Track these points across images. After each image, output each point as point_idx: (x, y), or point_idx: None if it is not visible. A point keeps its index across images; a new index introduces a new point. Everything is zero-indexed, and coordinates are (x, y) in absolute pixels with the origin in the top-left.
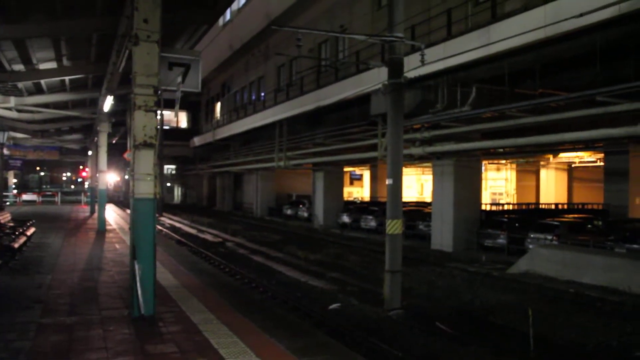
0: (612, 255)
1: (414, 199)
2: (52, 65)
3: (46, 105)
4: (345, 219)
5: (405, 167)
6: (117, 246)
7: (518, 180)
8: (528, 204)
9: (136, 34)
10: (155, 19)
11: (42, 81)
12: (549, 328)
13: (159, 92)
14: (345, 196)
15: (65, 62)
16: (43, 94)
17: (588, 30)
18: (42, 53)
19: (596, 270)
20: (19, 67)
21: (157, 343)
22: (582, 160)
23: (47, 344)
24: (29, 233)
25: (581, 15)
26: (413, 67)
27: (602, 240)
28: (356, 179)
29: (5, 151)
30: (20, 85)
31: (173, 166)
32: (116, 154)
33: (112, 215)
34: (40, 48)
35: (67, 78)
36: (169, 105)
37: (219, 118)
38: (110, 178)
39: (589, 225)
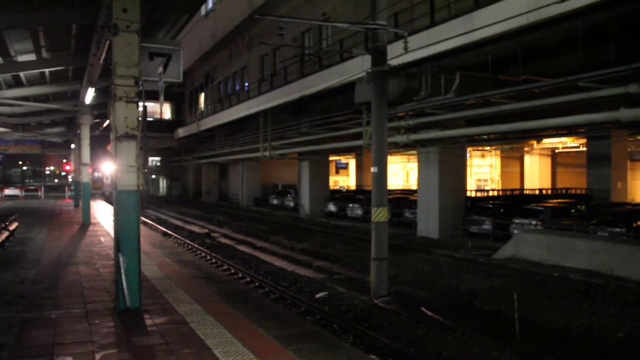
0: (595, 239)
1: (400, 187)
2: (31, 57)
3: (26, 98)
4: (332, 207)
5: (391, 155)
6: (102, 239)
7: (502, 166)
8: (513, 189)
9: (115, 24)
10: (135, 8)
11: (21, 73)
12: (534, 312)
13: (140, 82)
14: (331, 185)
15: (44, 53)
16: (23, 86)
17: (570, 16)
18: (20, 45)
19: (580, 254)
20: None
21: (143, 335)
22: (565, 145)
23: (32, 339)
24: (11, 228)
25: (562, 1)
26: (397, 55)
27: (585, 225)
28: (342, 167)
29: None
30: None
31: (158, 158)
32: (105, 146)
33: (98, 208)
34: (18, 39)
35: (47, 70)
36: (151, 96)
37: (203, 109)
38: (108, 170)
39: (573, 210)
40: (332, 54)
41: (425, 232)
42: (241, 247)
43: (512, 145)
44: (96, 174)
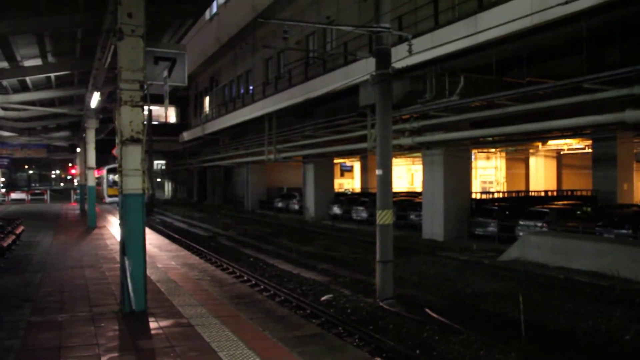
0: (601, 240)
1: (405, 189)
2: (37, 62)
3: (32, 103)
4: (336, 210)
5: (395, 157)
6: (108, 242)
7: (508, 168)
8: (518, 191)
9: (120, 28)
10: (140, 13)
11: (27, 78)
12: (540, 314)
13: (145, 87)
14: (336, 188)
15: (50, 58)
16: (29, 91)
17: (574, 17)
18: (26, 50)
19: (585, 256)
20: (3, 64)
21: (149, 338)
22: (570, 147)
23: (38, 342)
24: (17, 232)
25: (567, 2)
26: (401, 58)
27: (591, 226)
28: (347, 170)
29: None
30: (4, 82)
31: (163, 161)
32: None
33: (105, 213)
34: (24, 45)
35: (52, 75)
36: (156, 100)
37: (207, 112)
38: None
39: (578, 212)
40: (336, 57)
41: (430, 235)
42: (246, 250)
43: (517, 147)
44: (111, 178)
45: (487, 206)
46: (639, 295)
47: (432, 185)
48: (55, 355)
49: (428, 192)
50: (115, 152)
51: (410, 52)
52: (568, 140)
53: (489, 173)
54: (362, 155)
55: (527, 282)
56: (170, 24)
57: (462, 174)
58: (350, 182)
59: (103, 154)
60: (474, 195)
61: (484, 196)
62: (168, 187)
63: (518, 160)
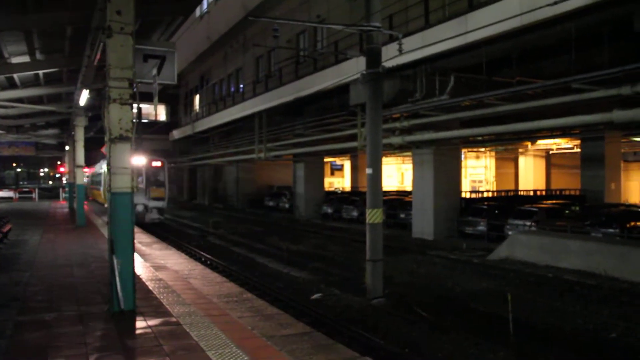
0: (589, 239)
1: (395, 188)
2: (25, 59)
3: (20, 100)
4: (327, 209)
5: (386, 156)
6: (96, 241)
7: (497, 167)
8: (507, 191)
9: (109, 26)
10: (129, 10)
11: (15, 75)
12: (529, 313)
13: (135, 84)
14: (327, 186)
15: (38, 55)
16: (16, 88)
17: (563, 18)
18: (14, 47)
19: (573, 254)
20: None
21: (137, 337)
22: (559, 147)
23: (25, 342)
24: (5, 230)
25: (555, 3)
26: (391, 57)
27: (579, 225)
28: (337, 169)
29: None
30: None
31: None
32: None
33: (94, 212)
34: (12, 41)
35: (41, 72)
36: (146, 98)
37: (198, 111)
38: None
39: (567, 211)
40: (327, 56)
41: (420, 234)
42: (236, 249)
43: (507, 147)
44: None
45: (477, 205)
46: (626, 294)
47: (422, 184)
48: (42, 355)
49: (418, 191)
50: (104, 150)
51: (401, 51)
52: (557, 140)
53: (478, 172)
54: (353, 154)
55: (516, 280)
56: (160, 22)
57: (452, 173)
58: (340, 181)
59: (92, 152)
60: (463, 195)
61: (473, 195)
62: None
63: (507, 159)
